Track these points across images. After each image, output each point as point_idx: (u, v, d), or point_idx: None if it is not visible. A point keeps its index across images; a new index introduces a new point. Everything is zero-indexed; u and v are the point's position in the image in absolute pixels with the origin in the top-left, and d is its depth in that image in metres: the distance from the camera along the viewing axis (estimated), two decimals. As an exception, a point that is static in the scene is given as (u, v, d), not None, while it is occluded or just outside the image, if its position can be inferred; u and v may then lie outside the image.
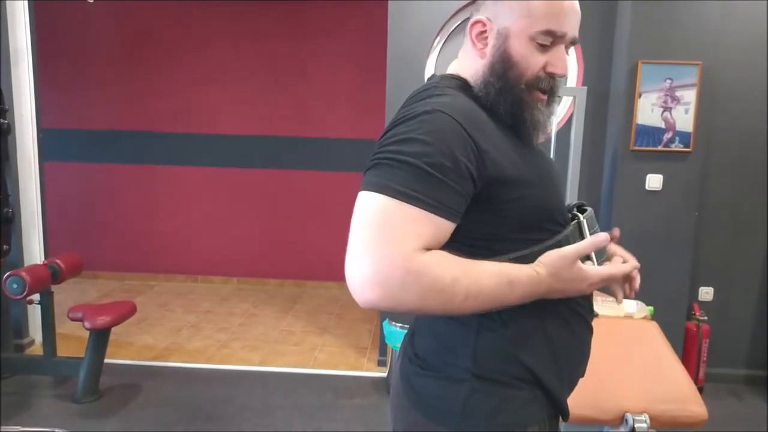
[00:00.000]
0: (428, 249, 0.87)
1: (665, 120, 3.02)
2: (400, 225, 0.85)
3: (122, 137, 4.91)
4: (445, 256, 0.88)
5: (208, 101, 4.82)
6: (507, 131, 0.99)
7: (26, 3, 3.38)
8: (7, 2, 3.31)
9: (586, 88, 2.95)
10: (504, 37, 0.97)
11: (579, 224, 1.00)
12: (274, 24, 4.70)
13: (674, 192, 3.06)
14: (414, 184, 0.86)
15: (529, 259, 0.93)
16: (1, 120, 3.15)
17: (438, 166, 0.87)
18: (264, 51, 4.74)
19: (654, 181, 3.06)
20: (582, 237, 0.99)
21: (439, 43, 3.18)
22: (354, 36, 4.66)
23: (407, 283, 0.84)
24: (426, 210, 0.86)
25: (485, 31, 0.99)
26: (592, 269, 0.94)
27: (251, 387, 3.15)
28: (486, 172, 0.90)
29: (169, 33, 4.77)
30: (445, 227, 0.88)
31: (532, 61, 0.97)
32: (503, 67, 0.97)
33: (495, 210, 0.93)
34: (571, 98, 3.09)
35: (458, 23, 3.14)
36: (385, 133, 0.93)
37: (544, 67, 0.98)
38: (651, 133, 3.02)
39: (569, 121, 3.03)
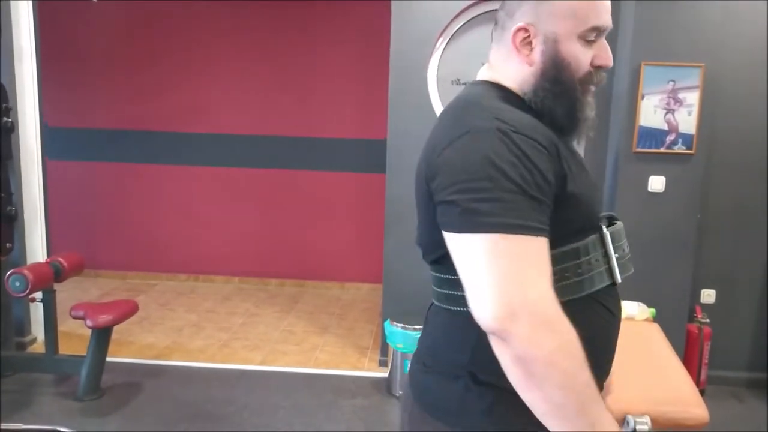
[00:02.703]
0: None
1: (668, 122, 3.01)
2: (535, 261, 0.83)
3: (125, 136, 4.91)
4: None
5: (211, 101, 4.83)
6: (559, 137, 0.97)
7: (30, 2, 3.39)
8: (11, 1, 3.32)
9: (588, 89, 2.94)
10: (552, 41, 0.96)
11: (601, 236, 0.99)
12: (277, 24, 4.70)
13: (677, 194, 3.06)
14: (530, 213, 0.84)
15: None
16: (5, 118, 3.16)
17: (538, 187, 0.85)
18: (268, 51, 4.74)
19: (656, 183, 3.06)
20: (604, 248, 0.98)
21: (442, 43, 3.18)
22: (357, 36, 4.66)
23: (555, 325, 0.82)
24: (540, 236, 0.84)
25: (528, 37, 0.97)
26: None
27: (252, 386, 3.15)
28: (564, 189, 0.90)
29: (172, 33, 4.77)
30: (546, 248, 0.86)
31: (583, 59, 0.97)
32: (556, 71, 0.97)
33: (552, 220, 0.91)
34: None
35: (461, 24, 3.14)
36: (449, 162, 0.88)
37: (591, 62, 0.98)
38: (654, 135, 3.02)
39: (572, 123, 3.02)
